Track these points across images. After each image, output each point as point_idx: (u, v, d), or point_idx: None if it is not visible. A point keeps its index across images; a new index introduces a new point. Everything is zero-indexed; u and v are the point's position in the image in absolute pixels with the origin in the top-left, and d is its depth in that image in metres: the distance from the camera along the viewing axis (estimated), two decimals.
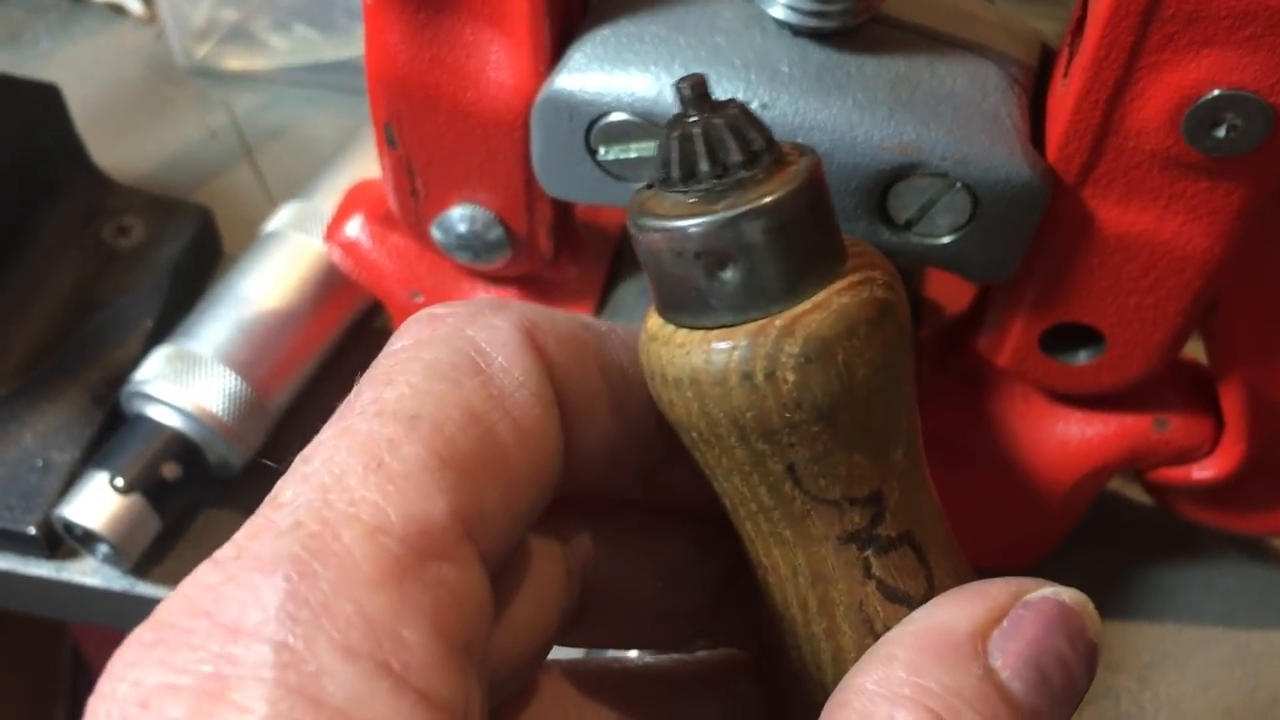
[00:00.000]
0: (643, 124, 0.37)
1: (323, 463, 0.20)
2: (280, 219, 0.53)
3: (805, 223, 0.22)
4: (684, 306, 0.23)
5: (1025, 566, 0.50)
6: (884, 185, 0.36)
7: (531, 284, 0.46)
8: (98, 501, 0.45)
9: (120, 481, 0.45)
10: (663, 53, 0.36)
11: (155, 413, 0.47)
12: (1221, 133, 0.33)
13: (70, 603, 0.48)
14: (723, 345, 0.22)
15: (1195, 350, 0.44)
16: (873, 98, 0.35)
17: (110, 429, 0.48)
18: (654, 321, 0.24)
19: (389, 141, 0.41)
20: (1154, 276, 0.38)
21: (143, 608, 0.48)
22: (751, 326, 0.22)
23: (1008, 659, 0.21)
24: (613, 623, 0.27)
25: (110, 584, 0.47)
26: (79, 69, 0.64)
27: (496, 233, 0.43)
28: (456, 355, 0.22)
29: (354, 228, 0.47)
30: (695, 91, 0.23)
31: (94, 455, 0.47)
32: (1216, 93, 0.33)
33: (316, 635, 0.18)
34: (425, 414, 0.21)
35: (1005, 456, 0.45)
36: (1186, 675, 0.48)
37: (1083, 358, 0.41)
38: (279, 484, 0.21)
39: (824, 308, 0.22)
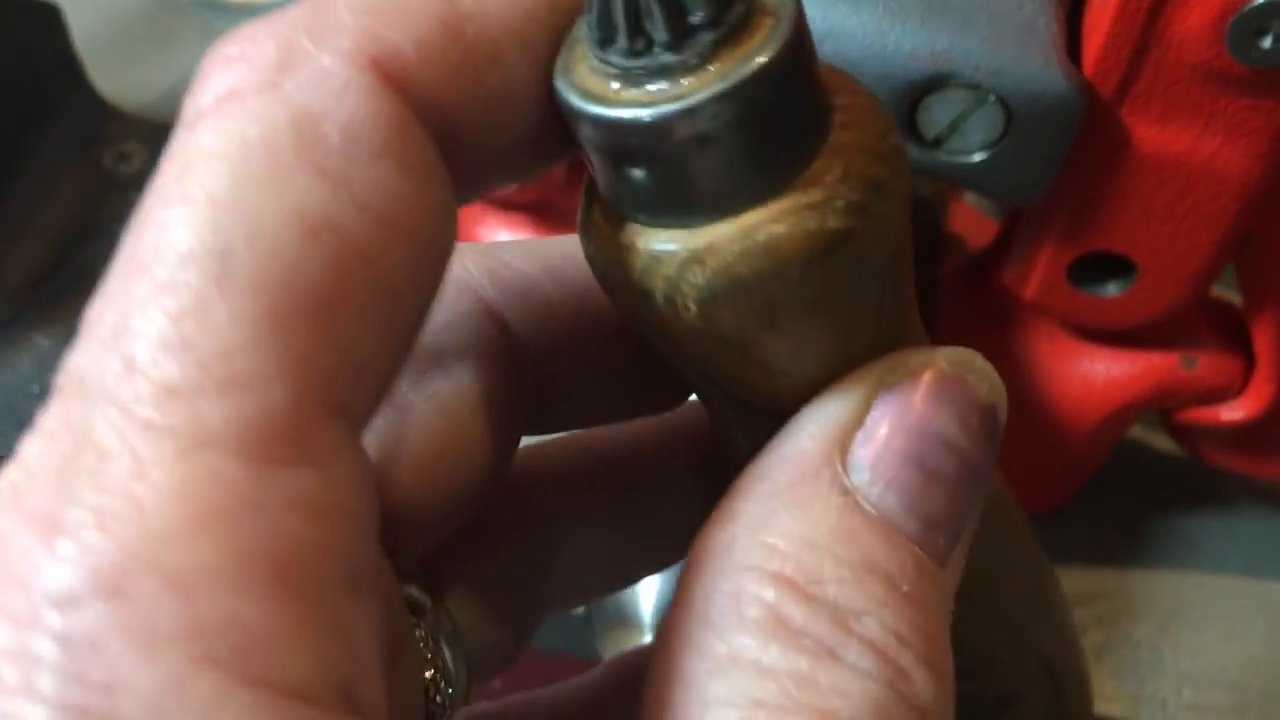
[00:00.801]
0: None
1: (111, 338, 0.15)
2: None
3: (749, 125, 0.17)
4: (632, 201, 0.18)
5: (1048, 509, 0.48)
6: (914, 98, 0.35)
7: (544, 210, 0.45)
8: None
9: None
10: None
11: None
12: (1268, 42, 0.32)
13: None
14: (625, 253, 0.18)
15: (1226, 293, 0.43)
16: (904, 4, 0.34)
17: None
18: (596, 213, 0.19)
19: None
20: (1190, 201, 0.36)
21: None
22: (659, 237, 0.17)
23: (875, 469, 0.17)
24: (586, 401, 0.23)
25: None
26: None
27: None
28: (273, 134, 0.15)
29: None
30: None
31: None
32: (1262, 0, 0.31)
33: (109, 632, 0.13)
34: (238, 247, 0.15)
35: (1028, 395, 0.44)
36: (1208, 625, 0.47)
37: (1112, 289, 0.40)
38: (68, 365, 0.15)
39: (747, 236, 0.17)
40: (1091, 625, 0.46)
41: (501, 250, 0.22)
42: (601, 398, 0.23)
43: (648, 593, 0.40)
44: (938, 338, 0.45)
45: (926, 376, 0.18)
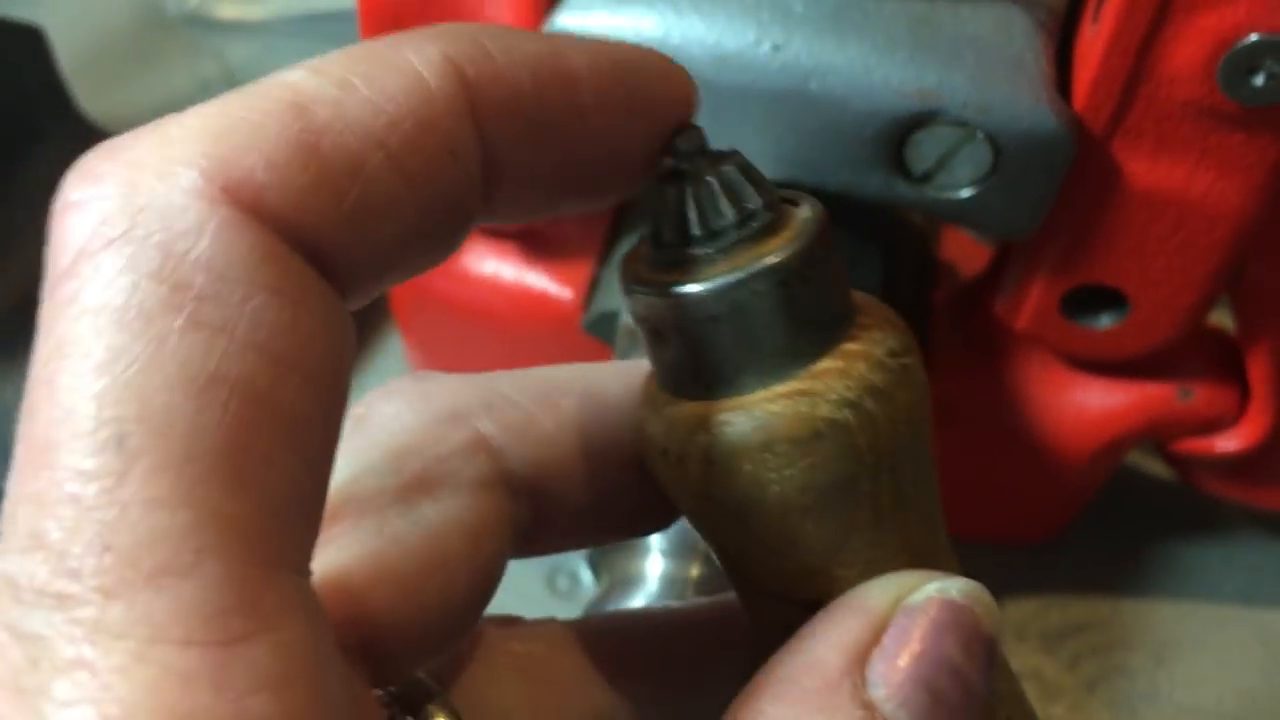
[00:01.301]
0: None
1: (31, 540, 0.14)
2: None
3: (761, 316, 0.19)
4: (665, 374, 0.21)
5: (1041, 539, 0.48)
6: (901, 133, 0.34)
7: (531, 238, 0.44)
8: None
9: None
10: None
11: None
12: (1259, 80, 0.32)
13: None
14: (655, 416, 0.20)
15: (1222, 319, 0.42)
16: (891, 39, 0.34)
17: None
18: (651, 385, 0.22)
19: None
20: (1183, 235, 0.36)
21: None
22: (679, 406, 0.20)
23: (891, 686, 0.18)
24: (573, 527, 0.23)
25: None
26: (67, 15, 0.62)
27: None
28: (137, 290, 0.14)
29: None
30: (691, 143, 0.20)
31: None
32: (1254, 38, 0.31)
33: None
34: (132, 429, 0.14)
35: (1022, 425, 0.43)
36: (1204, 655, 0.46)
37: (1105, 322, 0.39)
38: None
39: (745, 411, 0.19)
40: (1086, 655, 0.46)
41: (497, 381, 0.22)
42: (589, 521, 0.24)
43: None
44: (931, 365, 0.44)
45: (941, 604, 0.19)
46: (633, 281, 0.20)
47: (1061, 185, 0.35)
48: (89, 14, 0.62)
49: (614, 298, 0.42)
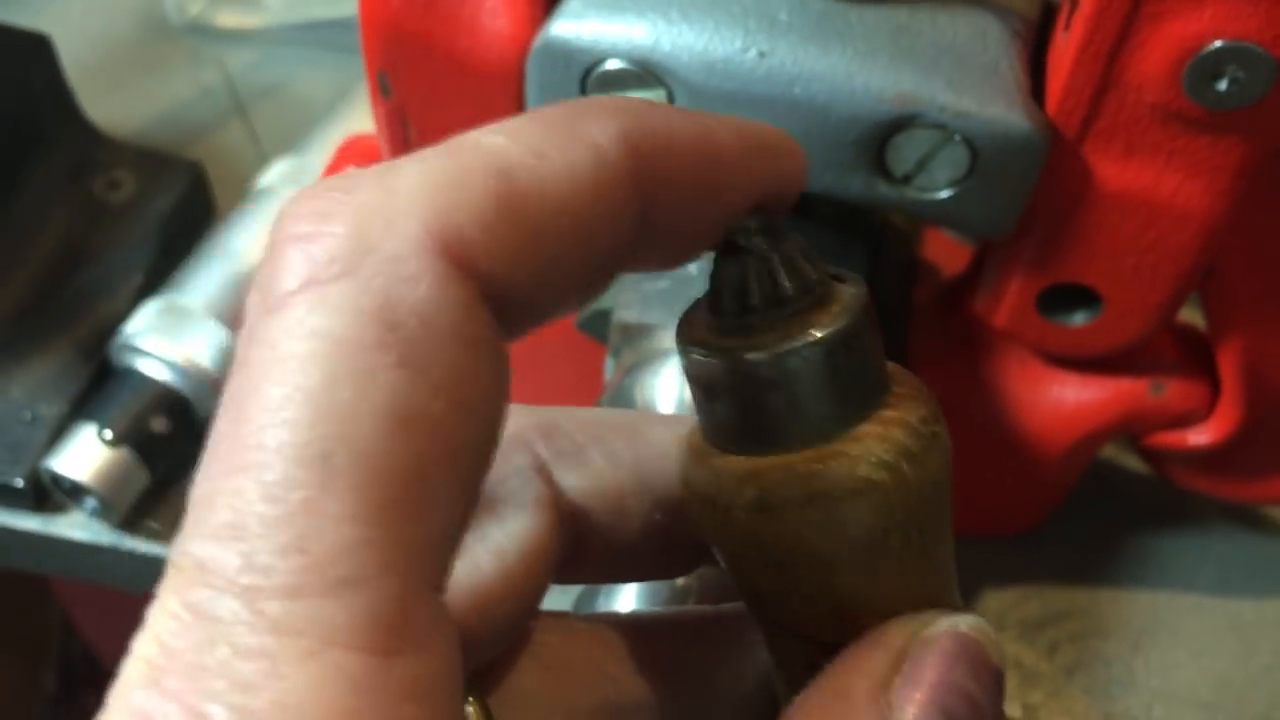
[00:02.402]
0: (639, 72, 0.36)
1: (230, 534, 0.16)
2: (272, 174, 0.52)
3: (808, 381, 0.21)
4: (714, 429, 0.22)
5: (1021, 530, 0.49)
6: (882, 137, 0.36)
7: None
8: (86, 454, 0.45)
9: (109, 434, 0.45)
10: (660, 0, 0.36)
11: (144, 366, 0.47)
12: (1223, 85, 0.33)
13: (57, 557, 0.48)
14: (704, 467, 0.22)
15: (1192, 316, 0.44)
16: (872, 47, 0.35)
17: (99, 383, 0.48)
18: (696, 434, 0.23)
19: (382, 90, 0.41)
20: (1153, 236, 0.37)
21: (130, 563, 0.48)
22: (728, 460, 0.22)
23: (911, 709, 0.20)
24: (611, 559, 0.26)
25: (98, 538, 0.47)
26: (72, 23, 0.63)
27: None
28: (358, 326, 0.16)
29: None
30: (755, 220, 0.22)
31: (82, 408, 0.47)
32: (1218, 44, 0.32)
33: None
34: (338, 449, 0.16)
35: (1001, 419, 0.45)
36: (1179, 642, 0.48)
37: (1079, 319, 0.41)
38: (186, 549, 0.16)
39: (792, 469, 0.21)
40: (1064, 643, 0.47)
41: (557, 415, 0.24)
42: (623, 558, 0.25)
43: None
44: (913, 362, 0.46)
45: (952, 636, 0.21)
46: (693, 343, 0.22)
47: (1035, 187, 0.36)
48: (94, 22, 0.63)
49: (605, 297, 0.44)
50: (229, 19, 0.64)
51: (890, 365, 0.23)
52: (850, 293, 0.22)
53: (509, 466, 0.23)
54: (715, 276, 0.22)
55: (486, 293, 0.17)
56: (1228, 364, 0.42)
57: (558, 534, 0.24)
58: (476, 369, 0.17)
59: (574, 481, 0.24)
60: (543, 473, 0.24)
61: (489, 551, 0.22)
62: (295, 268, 0.17)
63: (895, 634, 0.21)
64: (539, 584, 0.24)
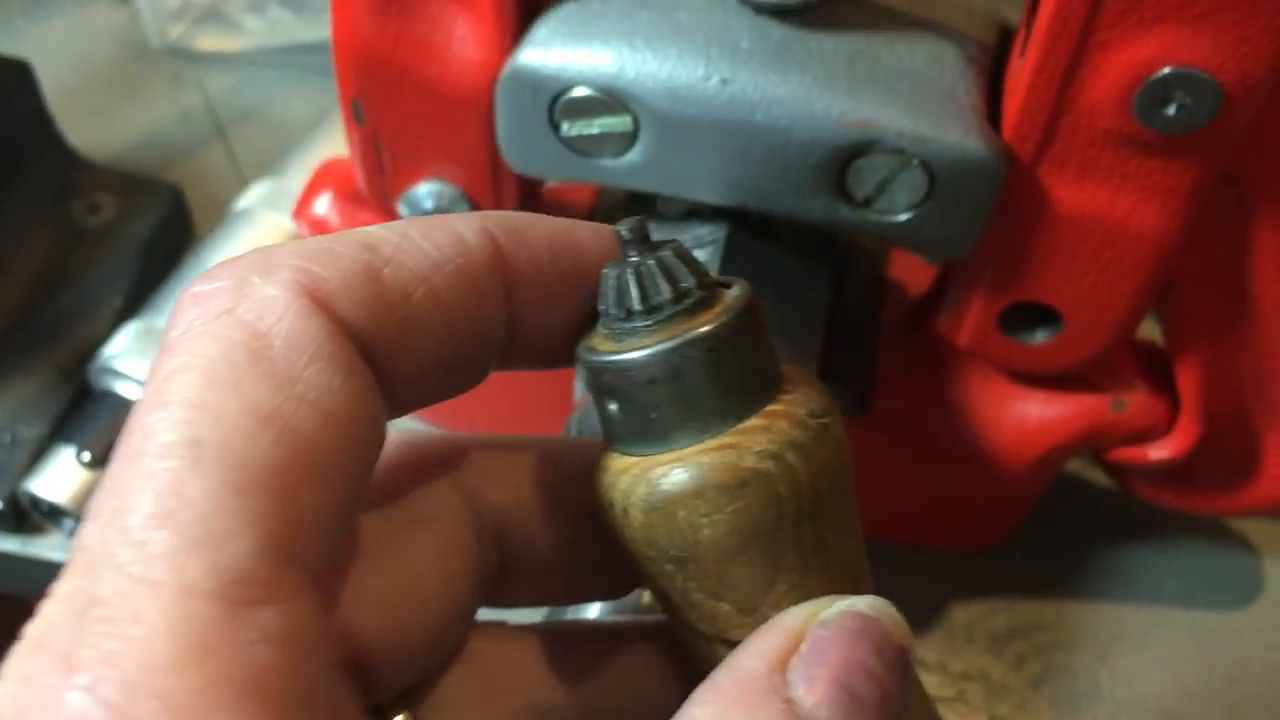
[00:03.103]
0: (605, 99, 0.37)
1: (110, 518, 0.18)
2: (251, 197, 0.53)
3: (692, 378, 0.22)
4: (610, 434, 0.23)
5: (987, 545, 0.50)
6: (843, 161, 0.36)
7: None
8: (65, 476, 0.45)
9: (87, 456, 0.46)
10: (624, 28, 0.37)
11: (123, 388, 0.47)
12: (1172, 110, 0.34)
13: (36, 578, 0.48)
14: (601, 471, 0.23)
15: (1151, 332, 0.45)
16: (831, 74, 0.36)
17: (78, 405, 0.48)
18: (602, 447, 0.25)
19: (356, 117, 0.42)
20: (1109, 255, 0.38)
21: None
22: (623, 460, 0.23)
23: (810, 686, 0.20)
24: (541, 579, 0.27)
25: None
26: (53, 48, 0.64)
27: (463, 209, 0.43)
28: (231, 349, 0.19)
29: (322, 205, 0.47)
30: (634, 233, 0.23)
31: (61, 430, 0.47)
32: (1167, 70, 0.33)
33: None
34: (207, 437, 0.19)
35: (966, 435, 0.46)
36: (1144, 654, 0.48)
37: (1040, 337, 0.42)
38: (76, 539, 0.19)
39: (681, 463, 0.22)
40: (1031, 655, 0.48)
41: (479, 438, 0.26)
42: (552, 578, 0.27)
43: None
44: (880, 379, 0.46)
45: (852, 615, 0.21)
46: (584, 350, 0.23)
47: (994, 209, 0.37)
48: (75, 46, 0.64)
49: None
50: (209, 42, 0.64)
51: (786, 367, 0.23)
52: (733, 294, 0.23)
53: (428, 486, 0.25)
54: (601, 285, 0.23)
55: (354, 335, 0.21)
56: (1186, 379, 0.43)
57: (477, 549, 0.25)
58: (340, 387, 0.20)
59: (493, 498, 0.25)
60: (461, 490, 0.25)
61: (407, 565, 0.23)
62: (184, 318, 0.20)
63: (794, 616, 0.22)
64: (464, 599, 0.24)
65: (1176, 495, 0.48)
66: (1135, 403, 0.44)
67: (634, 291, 0.22)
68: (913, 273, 0.48)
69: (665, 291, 0.22)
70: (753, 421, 0.22)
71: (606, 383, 0.22)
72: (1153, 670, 0.48)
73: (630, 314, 0.22)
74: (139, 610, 0.17)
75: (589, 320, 0.24)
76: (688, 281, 0.22)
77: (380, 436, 0.21)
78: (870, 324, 0.46)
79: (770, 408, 0.22)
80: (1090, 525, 0.51)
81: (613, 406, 0.23)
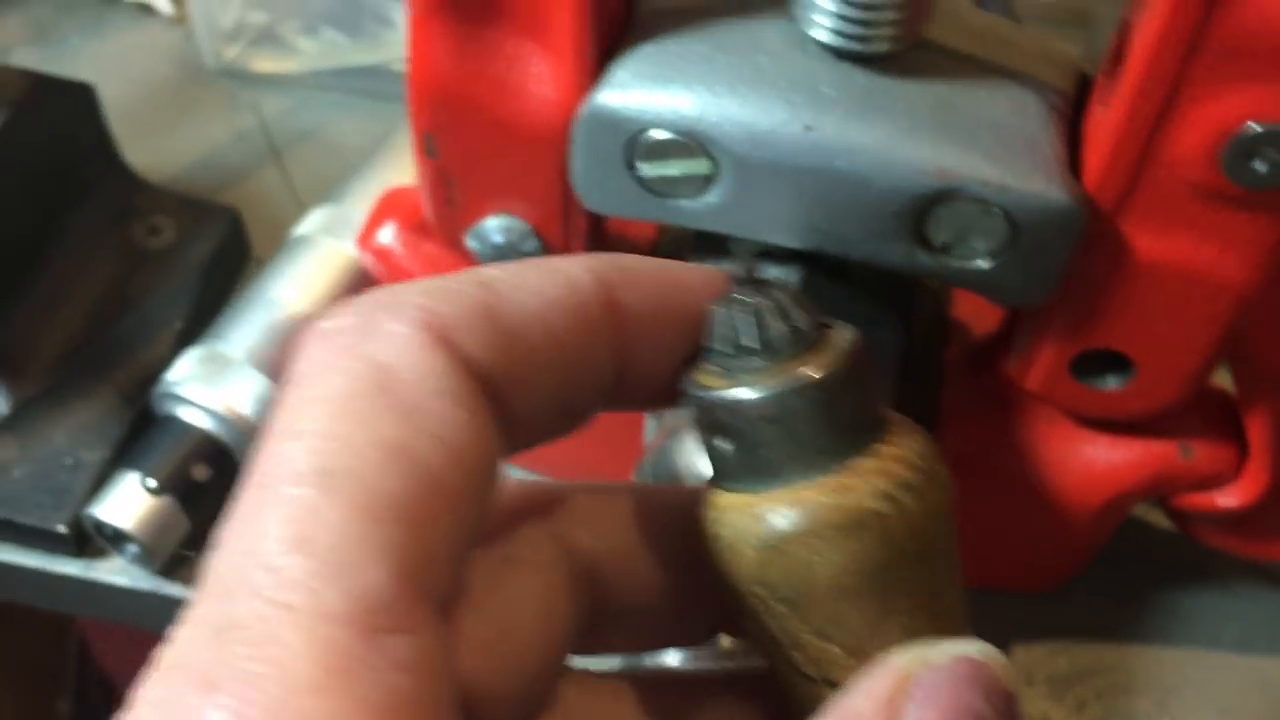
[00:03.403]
0: (684, 141, 0.37)
1: (246, 544, 0.19)
2: (310, 223, 0.53)
3: (806, 417, 0.22)
4: (721, 471, 0.24)
5: (1050, 587, 0.50)
6: (923, 208, 0.36)
7: None
8: (129, 502, 0.46)
9: (152, 482, 0.46)
10: (706, 71, 0.37)
11: (186, 414, 0.47)
12: (1260, 166, 0.34)
13: (96, 601, 0.49)
14: (711, 508, 0.23)
15: (1221, 379, 0.44)
16: (915, 122, 0.36)
17: (139, 429, 0.49)
18: (707, 483, 0.25)
19: (428, 151, 0.42)
20: (1186, 305, 0.38)
21: (168, 607, 0.48)
22: (734, 498, 0.23)
23: None
24: (631, 625, 0.27)
25: (137, 583, 0.48)
26: (108, 67, 0.64)
27: (531, 244, 0.43)
28: (357, 382, 0.20)
29: (387, 235, 0.47)
30: (749, 274, 0.24)
31: (124, 455, 0.48)
32: (1256, 127, 0.33)
33: None
34: (338, 466, 0.19)
35: (1032, 478, 0.45)
36: (1205, 700, 0.48)
37: (1112, 384, 0.41)
38: (209, 566, 0.19)
39: (796, 503, 0.22)
40: (1091, 700, 0.48)
41: (571, 485, 0.26)
42: (642, 625, 0.27)
43: None
44: (944, 420, 0.46)
45: (962, 660, 0.21)
46: (694, 386, 0.23)
47: (1072, 257, 0.37)
48: (133, 67, 0.64)
49: None
50: (264, 64, 0.64)
51: (887, 410, 0.24)
52: (843, 335, 0.23)
53: (524, 529, 0.25)
54: (713, 322, 0.23)
55: (473, 370, 0.21)
56: (1255, 429, 0.43)
57: (572, 594, 0.25)
58: (463, 423, 0.20)
59: (588, 544, 0.25)
60: (556, 535, 0.25)
61: (506, 608, 0.24)
62: (312, 353, 0.21)
63: (902, 658, 0.21)
64: (559, 644, 0.25)
65: (1241, 542, 0.47)
66: (1203, 450, 0.44)
67: (749, 329, 0.23)
68: (976, 313, 0.48)
69: (779, 330, 0.23)
70: (866, 462, 0.22)
71: (719, 420, 0.23)
72: (1214, 717, 0.48)
73: (743, 351, 0.23)
74: (277, 633, 0.18)
75: (692, 362, 0.24)
76: (800, 321, 0.23)
77: (497, 474, 0.22)
78: (935, 364, 0.46)
79: (881, 448, 0.22)
80: (1150, 568, 0.51)
81: (723, 444, 0.23)
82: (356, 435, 0.20)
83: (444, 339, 0.21)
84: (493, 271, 0.23)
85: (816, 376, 0.22)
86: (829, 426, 0.22)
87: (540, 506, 0.25)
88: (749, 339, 0.23)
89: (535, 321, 0.22)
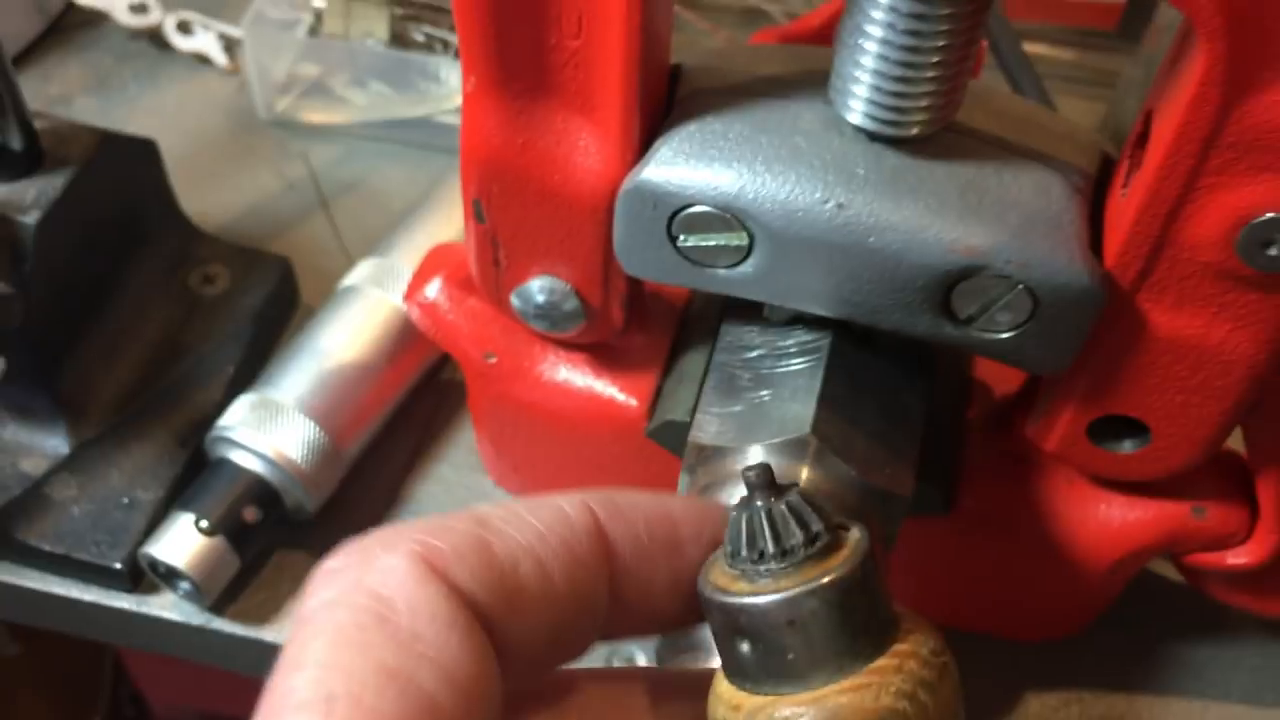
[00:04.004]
0: (723, 216, 0.39)
1: None
2: (358, 274, 0.55)
3: (825, 619, 0.23)
4: (739, 671, 0.25)
5: (1065, 638, 0.51)
6: (950, 284, 0.38)
7: (600, 352, 0.48)
8: (183, 541, 0.48)
9: (205, 523, 0.48)
10: (745, 151, 0.39)
11: (238, 458, 0.49)
12: (1273, 251, 0.35)
13: (148, 635, 0.51)
14: (730, 710, 0.24)
15: (1233, 440, 0.46)
16: (943, 202, 0.38)
17: (192, 470, 0.51)
18: (721, 682, 0.26)
19: (477, 216, 0.44)
20: (1201, 377, 0.40)
21: (218, 643, 0.50)
22: (754, 699, 0.24)
23: None
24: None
25: (188, 619, 0.50)
26: (164, 116, 0.66)
27: (572, 304, 0.45)
28: (358, 614, 0.22)
29: (433, 289, 0.49)
30: (761, 479, 0.25)
31: (178, 495, 0.50)
32: (1270, 215, 0.34)
33: None
34: (339, 692, 0.21)
35: (1048, 535, 0.47)
36: None
37: (1128, 447, 0.43)
38: None
39: (819, 702, 0.23)
40: None
41: (585, 678, 0.28)
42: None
43: None
44: (965, 479, 0.48)
45: None
46: (714, 590, 0.24)
47: (1092, 330, 0.39)
48: (188, 117, 0.67)
49: (676, 407, 0.46)
50: (314, 115, 0.67)
51: (896, 605, 0.25)
52: (855, 538, 0.24)
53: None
54: (730, 528, 0.25)
55: (468, 601, 0.23)
56: (1266, 492, 0.45)
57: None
58: (456, 643, 0.22)
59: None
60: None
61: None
62: (318, 591, 0.23)
63: None
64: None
65: (1251, 599, 0.49)
66: (1215, 510, 0.46)
67: (767, 534, 0.24)
68: (998, 374, 0.50)
69: (797, 535, 0.24)
70: (884, 661, 0.24)
71: (743, 624, 0.24)
72: None
73: (763, 556, 0.24)
74: None
75: (686, 593, 0.26)
76: (816, 525, 0.24)
77: (497, 698, 0.23)
78: (957, 424, 0.48)
79: (898, 647, 0.24)
80: (1162, 619, 0.53)
81: (744, 646, 0.24)
82: (357, 663, 0.21)
83: (438, 571, 0.23)
84: (488, 509, 0.25)
85: (837, 579, 0.23)
86: (847, 628, 0.23)
87: (548, 698, 0.27)
88: (768, 544, 0.24)
89: (526, 554, 0.24)
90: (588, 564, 0.25)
